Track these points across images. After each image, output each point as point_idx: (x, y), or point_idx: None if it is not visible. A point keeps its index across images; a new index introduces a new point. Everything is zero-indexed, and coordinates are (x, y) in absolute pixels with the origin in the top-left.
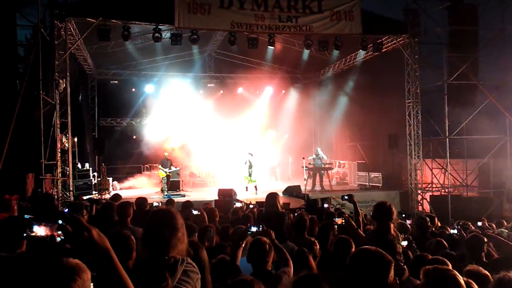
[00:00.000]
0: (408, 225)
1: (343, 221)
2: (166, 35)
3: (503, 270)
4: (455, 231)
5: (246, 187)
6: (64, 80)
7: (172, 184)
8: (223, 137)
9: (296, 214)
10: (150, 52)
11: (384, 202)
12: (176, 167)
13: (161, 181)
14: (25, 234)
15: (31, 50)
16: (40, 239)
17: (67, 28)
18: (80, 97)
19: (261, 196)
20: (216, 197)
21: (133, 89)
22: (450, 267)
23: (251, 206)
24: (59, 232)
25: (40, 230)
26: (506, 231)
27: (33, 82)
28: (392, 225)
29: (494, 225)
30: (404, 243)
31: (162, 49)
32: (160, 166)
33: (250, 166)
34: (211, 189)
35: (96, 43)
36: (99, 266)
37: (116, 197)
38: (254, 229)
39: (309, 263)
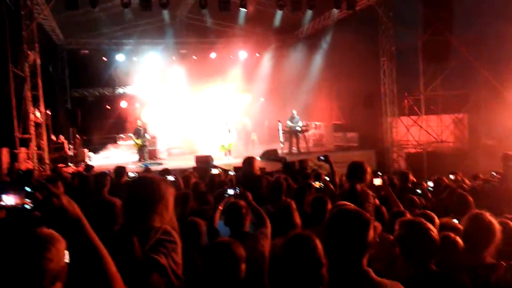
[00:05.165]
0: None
1: (321, 185)
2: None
3: None
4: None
5: (225, 153)
6: (33, 51)
7: (148, 153)
8: (198, 104)
9: (273, 177)
10: (120, 20)
11: (356, 161)
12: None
13: (138, 151)
14: None
15: None
16: (10, 208)
17: None
18: (50, 68)
19: (236, 161)
20: (194, 165)
21: (105, 58)
22: (437, 222)
23: (230, 173)
24: (28, 200)
25: (8, 199)
26: (481, 183)
27: (1, 55)
28: (362, 184)
29: (466, 179)
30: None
31: (132, 16)
32: (132, 136)
33: (229, 131)
34: (188, 156)
35: (64, 12)
36: (71, 234)
37: (89, 168)
38: (231, 192)
39: (294, 221)
